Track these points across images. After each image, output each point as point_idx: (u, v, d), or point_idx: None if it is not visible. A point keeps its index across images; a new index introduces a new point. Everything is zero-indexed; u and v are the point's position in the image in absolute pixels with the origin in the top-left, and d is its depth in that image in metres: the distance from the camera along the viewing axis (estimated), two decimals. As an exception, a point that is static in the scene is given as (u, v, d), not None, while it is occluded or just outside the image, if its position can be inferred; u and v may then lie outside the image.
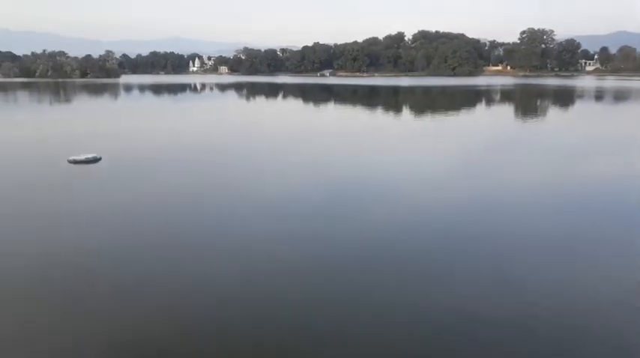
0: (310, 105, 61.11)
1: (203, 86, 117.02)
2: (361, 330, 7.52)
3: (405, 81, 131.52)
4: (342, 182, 17.45)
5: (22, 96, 76.02)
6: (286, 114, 47.70)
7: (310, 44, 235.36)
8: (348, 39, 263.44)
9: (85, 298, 8.48)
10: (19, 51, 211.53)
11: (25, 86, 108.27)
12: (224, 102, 66.98)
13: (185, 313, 8.02)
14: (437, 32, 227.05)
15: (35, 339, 7.27)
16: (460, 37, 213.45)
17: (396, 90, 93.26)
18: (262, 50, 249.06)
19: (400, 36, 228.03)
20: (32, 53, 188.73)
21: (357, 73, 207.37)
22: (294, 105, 60.85)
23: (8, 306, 8.28)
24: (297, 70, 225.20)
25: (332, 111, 52.14)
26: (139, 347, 7.11)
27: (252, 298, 8.56)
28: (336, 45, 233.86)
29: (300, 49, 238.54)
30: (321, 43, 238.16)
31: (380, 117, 43.85)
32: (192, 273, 9.51)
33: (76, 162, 19.95)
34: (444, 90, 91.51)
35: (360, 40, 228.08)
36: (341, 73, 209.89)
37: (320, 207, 14.08)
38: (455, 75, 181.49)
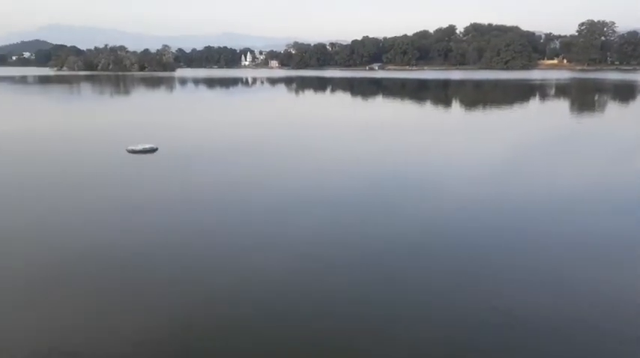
0: (358, 99, 60.80)
1: (254, 80, 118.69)
2: (403, 328, 7.42)
3: (455, 74, 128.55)
4: (391, 176, 17.24)
5: (85, 88, 79.61)
6: (335, 107, 47.65)
7: (359, 38, 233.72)
8: (398, 32, 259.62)
9: (143, 283, 8.78)
10: (83, 46, 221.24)
11: (87, 79, 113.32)
12: (275, 95, 67.73)
13: (242, 302, 8.15)
14: (489, 25, 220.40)
15: (96, 324, 7.58)
16: (514, 30, 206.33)
17: (446, 83, 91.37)
18: (312, 44, 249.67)
19: (451, 29, 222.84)
20: (95, 48, 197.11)
21: (407, 67, 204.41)
22: (342, 99, 60.73)
23: (71, 289, 8.68)
24: (346, 64, 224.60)
25: (380, 105, 51.66)
26: (198, 336, 7.27)
27: (308, 291, 8.60)
28: (385, 38, 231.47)
29: (349, 43, 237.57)
30: (370, 36, 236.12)
31: (429, 111, 43.07)
32: (249, 263, 9.66)
33: (134, 151, 20.68)
34: (496, 84, 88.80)
35: (409, 33, 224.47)
36: (390, 67, 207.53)
37: (369, 202, 13.98)
38: (508, 68, 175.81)
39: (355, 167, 18.75)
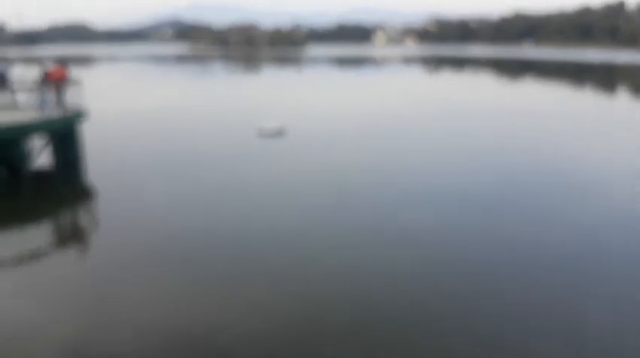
0: (504, 82, 57.64)
1: (385, 58, 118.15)
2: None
3: (622, 56, 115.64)
4: (540, 173, 16.34)
5: (218, 66, 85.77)
6: (473, 91, 45.78)
7: (507, 13, 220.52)
8: (553, 7, 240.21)
9: (268, 255, 9.47)
10: (218, 24, 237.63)
11: (221, 56, 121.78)
12: (407, 76, 66.87)
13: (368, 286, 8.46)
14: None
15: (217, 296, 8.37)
16: None
17: (610, 68, 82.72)
18: (453, 20, 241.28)
19: (620, 5, 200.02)
20: (229, 26, 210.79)
21: (562, 46, 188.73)
22: (484, 81, 58.01)
23: (204, 258, 9.65)
24: (490, 42, 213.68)
25: (528, 89, 48.53)
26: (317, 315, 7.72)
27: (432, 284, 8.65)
28: (538, 14, 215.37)
29: (495, 19, 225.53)
30: (520, 12, 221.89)
31: (588, 100, 39.52)
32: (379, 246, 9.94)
33: (263, 131, 22.04)
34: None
35: (568, 9, 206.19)
36: (542, 46, 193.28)
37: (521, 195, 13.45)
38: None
39: (501, 156, 18.03)
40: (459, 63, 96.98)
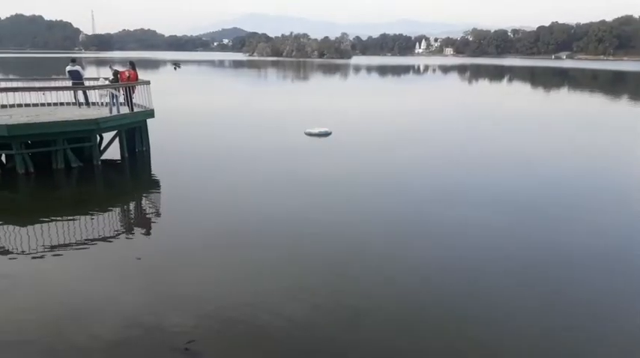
0: (538, 91, 55.64)
1: (426, 68, 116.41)
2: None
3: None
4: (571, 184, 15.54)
5: (270, 72, 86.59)
6: (511, 100, 44.36)
7: (546, 24, 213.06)
8: (594, 18, 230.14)
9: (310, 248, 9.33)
10: (272, 33, 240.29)
11: (273, 64, 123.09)
12: (445, 84, 65.64)
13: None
14: None
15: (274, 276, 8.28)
16: None
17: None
18: (492, 31, 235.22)
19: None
20: (282, 35, 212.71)
21: (601, 56, 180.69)
22: (519, 89, 56.14)
23: (263, 251, 9.60)
24: (528, 52, 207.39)
25: (562, 98, 46.65)
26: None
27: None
28: (578, 25, 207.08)
29: (534, 29, 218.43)
30: (560, 22, 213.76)
31: (624, 109, 37.52)
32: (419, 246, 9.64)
33: (311, 134, 21.92)
34: None
35: (608, 18, 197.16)
36: (580, 56, 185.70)
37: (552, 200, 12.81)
38: None
39: (529, 164, 17.29)
40: (499, 71, 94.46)
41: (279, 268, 8.81)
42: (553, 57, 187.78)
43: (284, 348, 6.52)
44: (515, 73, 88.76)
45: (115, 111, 17.02)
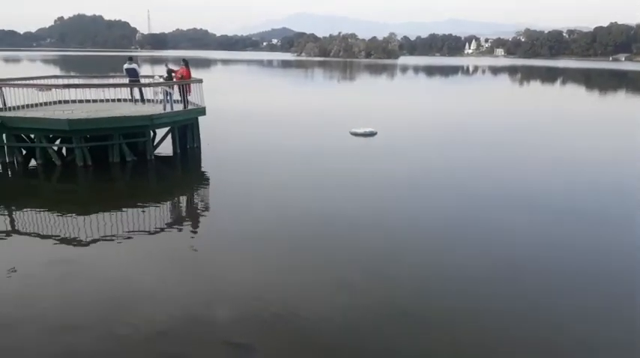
0: (594, 93, 53.23)
1: (475, 69, 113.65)
2: None
3: None
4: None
5: (318, 72, 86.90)
6: (561, 102, 42.65)
7: (604, 24, 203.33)
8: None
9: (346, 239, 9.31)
10: (320, 33, 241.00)
11: (320, 64, 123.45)
12: (496, 85, 63.85)
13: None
14: None
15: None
16: None
17: None
18: (545, 32, 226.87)
19: None
20: (330, 35, 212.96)
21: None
22: (572, 92, 53.87)
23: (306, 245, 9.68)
24: (584, 54, 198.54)
25: (619, 101, 44.39)
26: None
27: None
28: (638, 25, 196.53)
29: (591, 30, 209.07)
30: (619, 23, 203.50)
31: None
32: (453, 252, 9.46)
33: (356, 134, 21.85)
34: None
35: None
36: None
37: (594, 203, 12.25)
38: None
39: (572, 166, 16.56)
40: (548, 73, 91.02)
41: (326, 265, 8.85)
42: (610, 59, 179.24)
43: (333, 346, 6.54)
44: (568, 75, 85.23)
45: (168, 109, 17.55)
